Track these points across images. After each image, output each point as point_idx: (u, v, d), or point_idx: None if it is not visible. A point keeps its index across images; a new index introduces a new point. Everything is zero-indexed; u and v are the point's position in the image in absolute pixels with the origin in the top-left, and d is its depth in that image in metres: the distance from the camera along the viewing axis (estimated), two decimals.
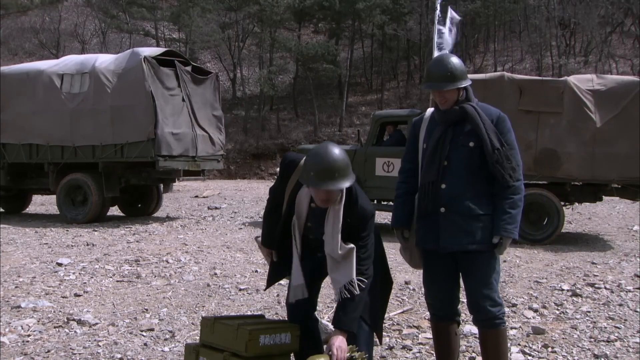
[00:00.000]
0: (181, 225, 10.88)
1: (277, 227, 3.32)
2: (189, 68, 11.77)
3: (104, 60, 11.41)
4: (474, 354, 4.09)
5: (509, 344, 4.12)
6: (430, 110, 3.46)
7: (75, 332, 4.54)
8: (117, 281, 6.28)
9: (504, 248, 3.18)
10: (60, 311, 5.09)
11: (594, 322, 4.81)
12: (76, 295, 5.67)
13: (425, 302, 3.52)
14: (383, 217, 12.36)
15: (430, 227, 3.26)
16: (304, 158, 3.14)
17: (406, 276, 6.49)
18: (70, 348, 4.18)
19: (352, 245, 3.11)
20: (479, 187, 3.21)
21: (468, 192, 3.20)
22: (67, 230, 10.16)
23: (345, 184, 3.00)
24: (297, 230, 3.23)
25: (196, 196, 17.62)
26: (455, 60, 3.29)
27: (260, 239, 3.47)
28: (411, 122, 3.58)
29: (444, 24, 10.90)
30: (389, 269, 3.55)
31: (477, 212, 3.18)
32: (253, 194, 18.81)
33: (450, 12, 11.29)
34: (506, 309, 5.13)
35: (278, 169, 3.48)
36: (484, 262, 3.21)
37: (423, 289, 3.54)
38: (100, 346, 4.22)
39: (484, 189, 3.22)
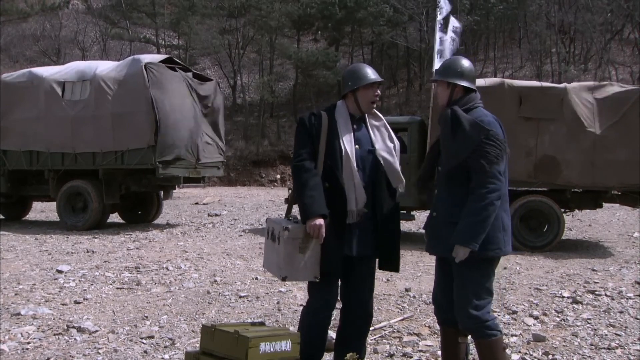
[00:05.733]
0: (181, 232, 10.87)
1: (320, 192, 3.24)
2: (189, 75, 11.81)
3: (105, 68, 11.44)
4: None
5: (509, 352, 4.11)
6: None
7: (75, 339, 4.53)
8: (117, 288, 6.27)
9: (458, 257, 3.08)
10: (60, 318, 5.08)
11: (595, 330, 4.80)
12: (76, 302, 5.66)
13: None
14: None
15: (427, 231, 3.38)
16: (344, 77, 3.51)
17: (406, 283, 6.49)
18: (70, 355, 4.17)
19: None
20: (458, 193, 3.17)
21: (449, 198, 3.22)
22: (67, 237, 10.16)
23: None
24: (354, 173, 3.33)
25: (196, 203, 17.62)
26: (462, 60, 3.34)
27: (291, 226, 3.22)
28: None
29: (445, 32, 10.92)
30: None
31: (454, 220, 3.14)
32: (253, 200, 18.81)
33: (452, 20, 11.31)
34: (507, 316, 5.15)
35: (297, 137, 3.42)
36: (461, 270, 3.17)
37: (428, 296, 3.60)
38: (100, 353, 4.21)
39: (462, 197, 3.15)
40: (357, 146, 3.39)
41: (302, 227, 3.23)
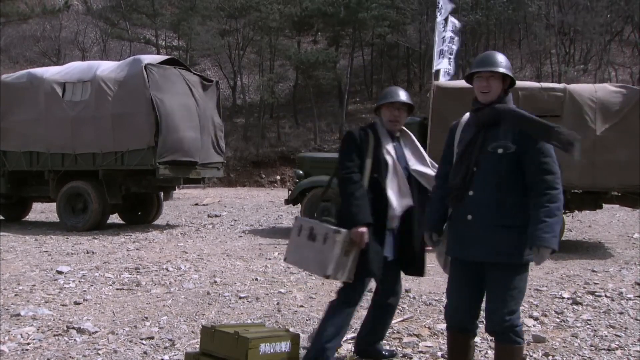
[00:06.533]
0: (181, 233, 10.87)
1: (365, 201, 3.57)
2: (189, 75, 11.80)
3: (105, 68, 11.44)
4: None
5: None
6: (466, 115, 3.36)
7: (74, 340, 4.53)
8: (117, 289, 6.27)
9: (542, 259, 3.00)
10: (59, 319, 5.08)
11: (595, 331, 4.80)
12: (76, 303, 5.66)
13: (445, 311, 3.39)
14: None
15: (456, 235, 3.20)
16: (381, 97, 3.84)
17: (406, 284, 6.48)
18: (70, 356, 4.17)
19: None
20: (508, 196, 3.08)
21: (496, 200, 3.08)
22: (67, 238, 10.16)
23: None
24: (398, 182, 3.68)
25: (196, 204, 17.62)
26: (502, 55, 3.28)
27: (343, 230, 3.51)
28: (450, 127, 3.51)
29: (445, 32, 10.93)
30: None
31: (503, 223, 3.06)
32: (253, 201, 18.82)
33: (452, 20, 11.32)
34: None
35: (345, 150, 3.77)
36: (505, 276, 3.10)
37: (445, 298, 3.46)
38: (100, 354, 4.21)
39: (514, 200, 3.08)
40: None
41: (349, 232, 3.54)
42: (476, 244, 3.10)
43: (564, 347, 4.42)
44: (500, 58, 3.20)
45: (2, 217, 12.85)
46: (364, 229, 3.50)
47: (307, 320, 5.10)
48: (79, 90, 11.38)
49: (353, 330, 4.80)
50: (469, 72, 3.27)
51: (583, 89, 9.27)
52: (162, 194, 12.71)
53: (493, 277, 3.13)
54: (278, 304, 5.63)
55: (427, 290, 6.25)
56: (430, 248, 3.52)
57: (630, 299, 5.85)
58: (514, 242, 3.06)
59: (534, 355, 4.24)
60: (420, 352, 4.30)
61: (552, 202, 3.03)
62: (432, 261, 8.04)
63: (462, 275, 3.23)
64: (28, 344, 4.44)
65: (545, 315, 5.24)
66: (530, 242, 3.01)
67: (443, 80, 10.77)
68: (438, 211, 3.36)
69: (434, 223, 3.38)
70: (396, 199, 3.66)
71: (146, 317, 5.15)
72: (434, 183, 3.50)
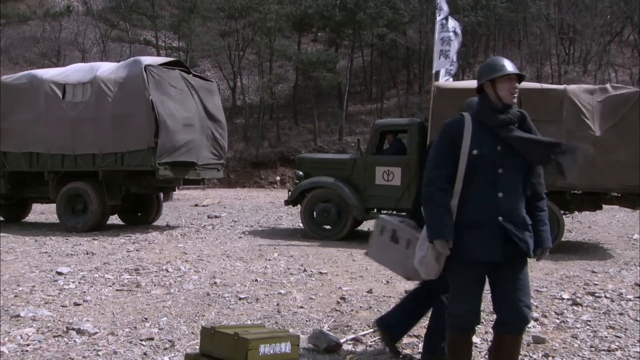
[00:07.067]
0: (181, 234, 10.87)
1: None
2: (189, 77, 11.81)
3: (105, 69, 11.44)
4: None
5: None
6: (467, 115, 3.28)
7: (74, 341, 4.53)
8: (117, 290, 6.27)
9: (545, 257, 3.34)
10: (59, 320, 5.08)
11: (595, 331, 4.80)
12: (76, 304, 5.65)
13: (452, 315, 3.29)
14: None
15: (485, 237, 3.16)
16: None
17: (406, 285, 6.49)
18: (70, 357, 4.17)
19: None
20: (524, 196, 3.27)
21: (520, 201, 3.23)
22: (67, 239, 10.16)
23: None
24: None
25: (196, 205, 17.62)
26: None
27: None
28: (443, 127, 3.33)
29: (445, 33, 10.92)
30: None
31: (528, 222, 3.23)
32: (253, 202, 18.82)
33: (452, 21, 11.32)
34: None
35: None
36: (525, 269, 3.26)
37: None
38: (99, 355, 4.21)
39: (524, 199, 3.27)
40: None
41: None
42: (508, 244, 3.15)
43: (563, 348, 4.42)
44: (509, 62, 3.33)
45: (1, 218, 12.85)
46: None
47: (307, 321, 5.10)
48: (79, 91, 11.38)
49: (353, 331, 4.80)
50: (497, 75, 3.20)
51: (582, 90, 9.27)
52: (161, 194, 12.70)
53: (511, 272, 3.21)
54: (278, 305, 5.63)
55: None
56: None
57: (630, 300, 5.86)
58: (532, 239, 3.24)
59: (534, 357, 4.24)
60: (420, 352, 4.29)
61: (545, 205, 3.34)
62: None
63: (477, 276, 3.25)
64: (28, 345, 4.44)
65: (545, 316, 5.24)
66: (539, 242, 3.26)
67: (444, 80, 10.77)
68: (449, 215, 3.19)
69: (450, 230, 3.16)
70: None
71: (146, 318, 5.15)
72: (435, 184, 3.23)
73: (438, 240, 3.16)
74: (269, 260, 8.14)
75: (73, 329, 4.78)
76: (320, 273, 7.21)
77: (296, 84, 33.99)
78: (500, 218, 3.14)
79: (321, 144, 29.29)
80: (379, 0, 30.05)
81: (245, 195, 22.64)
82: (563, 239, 9.59)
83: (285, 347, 3.24)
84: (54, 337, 4.64)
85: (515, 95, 3.24)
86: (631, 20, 30.79)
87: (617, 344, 4.49)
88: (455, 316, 3.27)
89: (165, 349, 4.37)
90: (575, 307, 5.57)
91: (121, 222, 12.80)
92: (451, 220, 3.19)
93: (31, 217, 13.98)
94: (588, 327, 4.94)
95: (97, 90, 11.07)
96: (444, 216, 3.18)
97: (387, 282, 6.72)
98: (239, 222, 12.89)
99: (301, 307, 5.59)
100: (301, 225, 11.00)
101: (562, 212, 9.40)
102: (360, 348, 4.41)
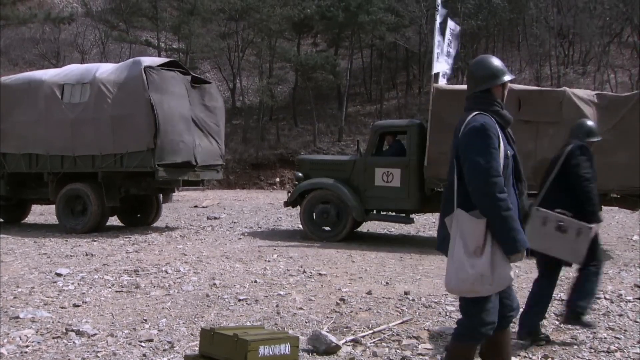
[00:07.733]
0: (180, 235, 10.87)
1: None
2: (188, 78, 11.82)
3: (105, 70, 11.44)
4: None
5: None
6: (483, 115, 3.16)
7: (73, 342, 4.53)
8: (116, 291, 6.27)
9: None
10: (59, 322, 5.08)
11: (594, 333, 4.80)
12: (75, 305, 5.65)
13: (485, 325, 3.15)
14: (382, 227, 12.36)
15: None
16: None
17: (405, 286, 6.49)
18: (69, 359, 4.17)
19: None
20: None
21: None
22: (66, 240, 10.15)
23: None
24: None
25: (195, 206, 17.61)
26: None
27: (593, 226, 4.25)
28: (485, 127, 3.10)
29: (443, 35, 10.94)
30: None
31: None
32: (252, 204, 18.81)
33: (450, 23, 11.34)
34: None
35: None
36: None
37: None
38: (99, 357, 4.20)
39: None
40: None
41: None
42: None
43: (563, 349, 4.42)
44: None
45: (1, 219, 12.85)
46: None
47: (306, 322, 5.10)
48: (78, 92, 11.37)
49: (352, 332, 4.80)
50: (509, 77, 3.28)
51: (582, 92, 9.28)
52: (161, 196, 12.70)
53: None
54: (277, 306, 5.62)
55: (426, 292, 6.25)
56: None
57: (629, 301, 5.86)
58: None
59: (533, 358, 4.24)
60: (420, 354, 4.30)
61: None
62: (431, 263, 8.03)
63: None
64: (27, 346, 4.43)
65: (545, 318, 5.23)
66: None
67: (442, 82, 10.78)
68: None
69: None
70: None
71: (145, 320, 5.15)
72: (504, 192, 3.06)
73: (524, 249, 3.17)
74: (269, 261, 8.14)
75: (72, 330, 4.78)
76: (320, 274, 7.21)
77: (296, 85, 34.01)
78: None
79: (321, 145, 29.31)
80: (381, 4, 30.07)
81: (245, 196, 22.64)
82: None
83: (284, 348, 3.24)
84: (53, 338, 4.64)
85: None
86: (631, 21, 30.79)
87: (616, 345, 4.49)
88: (487, 326, 3.15)
89: (164, 350, 4.37)
90: None
91: (120, 224, 12.79)
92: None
93: (30, 218, 13.98)
94: (587, 328, 4.93)
95: (97, 91, 11.06)
96: (519, 224, 3.16)
97: (387, 283, 6.72)
98: (238, 224, 12.88)
99: (300, 308, 5.59)
100: (300, 226, 11.00)
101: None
102: (359, 349, 4.40)
